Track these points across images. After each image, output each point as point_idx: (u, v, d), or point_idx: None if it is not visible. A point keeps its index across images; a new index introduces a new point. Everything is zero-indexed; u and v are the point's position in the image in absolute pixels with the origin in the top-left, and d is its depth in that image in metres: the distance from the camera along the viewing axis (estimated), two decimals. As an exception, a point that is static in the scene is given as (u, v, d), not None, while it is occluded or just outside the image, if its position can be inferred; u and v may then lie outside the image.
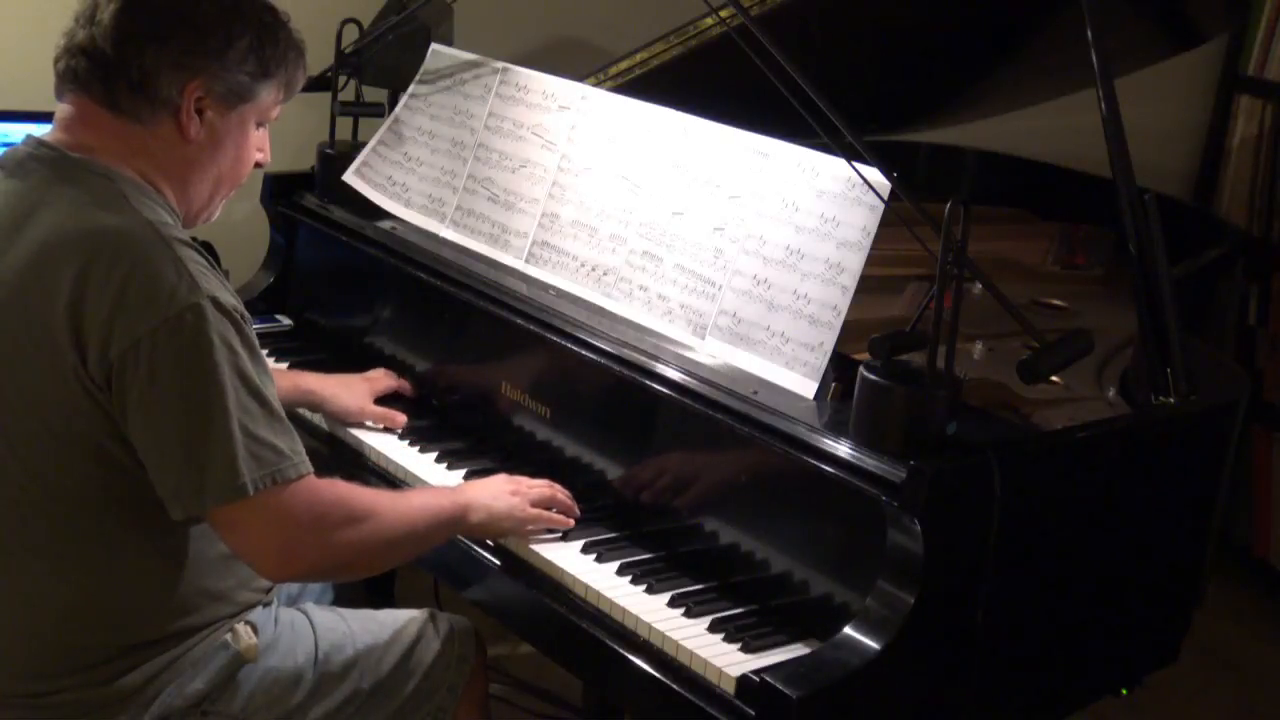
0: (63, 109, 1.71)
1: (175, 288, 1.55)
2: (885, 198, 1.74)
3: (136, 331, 1.54)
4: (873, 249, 1.76)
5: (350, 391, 2.20)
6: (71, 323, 1.56)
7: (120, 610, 1.66)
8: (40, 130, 1.74)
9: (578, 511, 1.92)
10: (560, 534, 1.88)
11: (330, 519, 1.66)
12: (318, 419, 2.21)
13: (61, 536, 1.64)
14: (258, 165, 1.81)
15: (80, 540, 1.64)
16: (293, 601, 1.98)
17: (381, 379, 2.25)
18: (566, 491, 1.93)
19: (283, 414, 1.63)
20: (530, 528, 1.88)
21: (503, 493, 1.88)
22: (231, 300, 1.60)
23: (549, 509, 1.90)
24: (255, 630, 1.77)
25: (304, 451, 1.64)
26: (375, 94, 2.61)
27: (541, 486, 1.92)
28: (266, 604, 1.83)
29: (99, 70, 1.66)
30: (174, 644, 1.70)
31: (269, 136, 1.82)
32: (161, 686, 1.69)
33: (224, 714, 1.73)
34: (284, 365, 2.34)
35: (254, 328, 1.66)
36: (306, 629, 1.83)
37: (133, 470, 1.60)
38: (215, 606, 1.73)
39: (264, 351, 1.72)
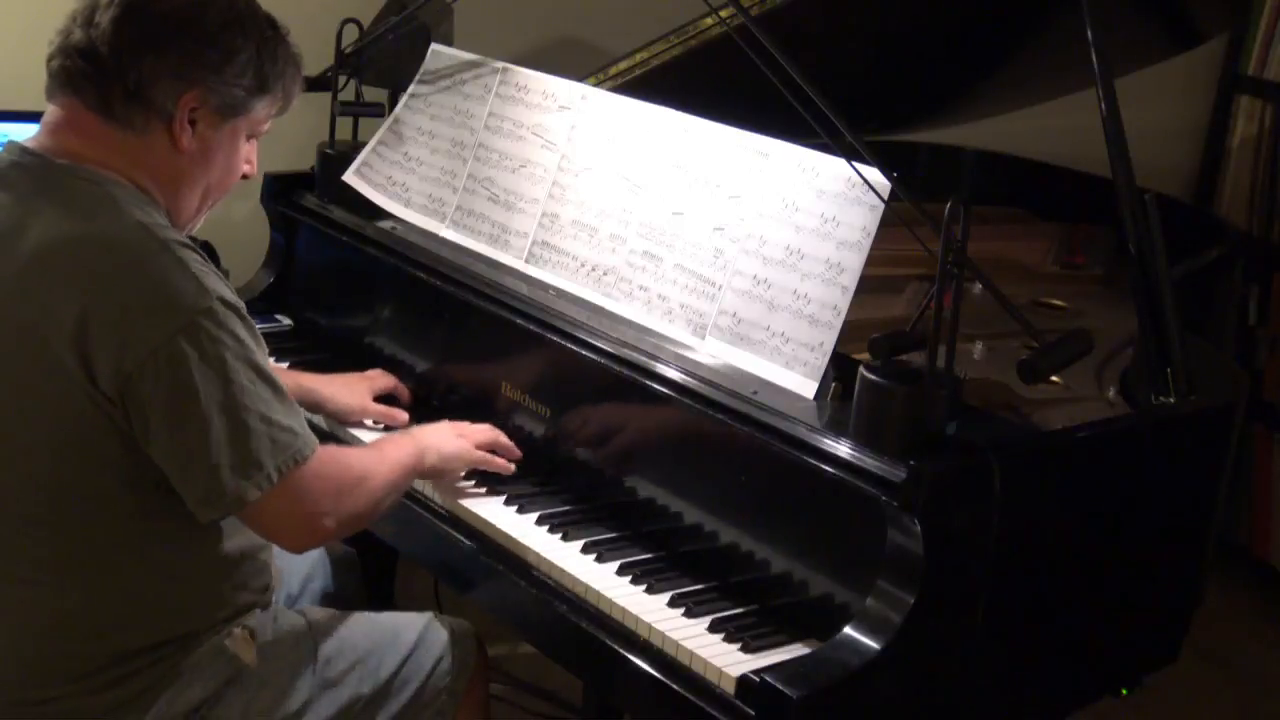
0: (52, 112, 1.68)
1: (184, 292, 1.55)
2: (885, 198, 1.74)
3: (152, 340, 1.53)
4: (873, 249, 1.76)
5: (350, 390, 2.19)
6: (76, 337, 1.54)
7: (116, 619, 1.65)
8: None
9: (518, 453, 2.04)
10: (560, 534, 1.88)
11: (340, 487, 1.72)
12: (318, 420, 2.20)
13: (64, 549, 1.63)
14: (244, 177, 1.81)
15: (83, 552, 1.63)
16: (292, 604, 1.97)
17: (380, 377, 2.24)
18: (506, 436, 2.04)
19: (287, 391, 1.66)
20: (474, 468, 2.01)
21: (450, 436, 1.98)
22: (233, 296, 1.61)
23: (493, 453, 2.02)
24: (253, 635, 1.76)
25: (307, 425, 1.68)
26: (375, 94, 2.61)
27: (484, 430, 2.03)
28: (264, 606, 1.81)
29: (94, 74, 1.63)
30: (171, 650, 1.68)
31: (257, 149, 1.81)
32: (158, 694, 1.67)
33: None
34: (284, 365, 2.34)
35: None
36: (305, 634, 1.82)
37: (138, 480, 1.60)
38: (212, 610, 1.72)
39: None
